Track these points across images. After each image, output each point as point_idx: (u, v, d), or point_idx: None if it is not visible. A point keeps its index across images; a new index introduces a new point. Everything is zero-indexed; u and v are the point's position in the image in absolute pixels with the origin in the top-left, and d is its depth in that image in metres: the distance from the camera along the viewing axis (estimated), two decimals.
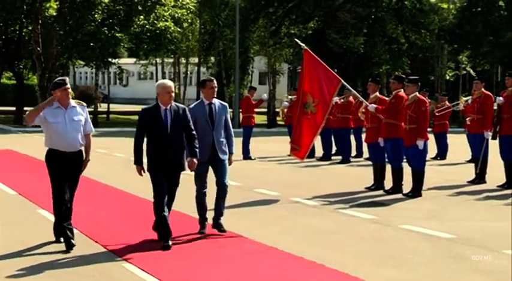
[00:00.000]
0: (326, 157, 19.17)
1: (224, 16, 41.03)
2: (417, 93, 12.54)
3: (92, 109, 37.74)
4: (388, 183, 12.89)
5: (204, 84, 8.88)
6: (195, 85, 48.64)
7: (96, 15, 36.76)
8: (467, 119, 15.99)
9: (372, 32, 39.29)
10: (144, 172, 8.17)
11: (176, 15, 38.82)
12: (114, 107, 45.96)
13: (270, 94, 39.79)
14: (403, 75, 14.60)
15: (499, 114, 13.96)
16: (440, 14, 43.75)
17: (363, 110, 13.76)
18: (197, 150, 8.18)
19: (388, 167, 13.00)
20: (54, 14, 36.04)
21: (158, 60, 47.90)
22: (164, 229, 8.05)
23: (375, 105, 12.91)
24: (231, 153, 8.99)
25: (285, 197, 12.16)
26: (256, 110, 21.50)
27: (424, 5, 41.30)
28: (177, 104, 8.29)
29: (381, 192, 12.77)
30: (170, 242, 8.00)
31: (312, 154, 17.83)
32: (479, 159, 14.52)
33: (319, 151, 18.94)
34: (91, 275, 6.91)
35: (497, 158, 14.04)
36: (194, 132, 8.23)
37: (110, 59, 39.63)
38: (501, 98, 13.92)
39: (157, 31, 38.25)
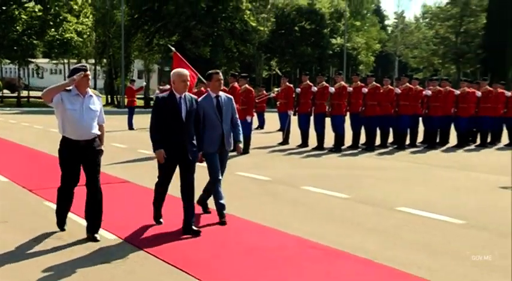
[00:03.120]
0: None
1: (113, 31, 39.89)
2: (246, 85, 12.76)
3: (16, 95, 36.32)
4: None
5: (210, 77, 6.27)
6: (91, 78, 46.83)
7: (17, 27, 34.55)
8: (277, 102, 16.47)
9: (214, 44, 39.28)
10: (165, 156, 5.64)
11: (78, 29, 37.26)
12: (33, 93, 43.43)
13: (146, 86, 39.57)
14: (237, 73, 14.75)
15: (298, 100, 14.51)
16: (259, 33, 44.30)
17: None
18: (202, 144, 5.86)
19: None
20: None
21: (65, 60, 45.81)
22: (157, 214, 6.04)
23: None
24: (239, 141, 6.44)
25: None
26: (137, 96, 21.09)
27: (248, 27, 41.67)
28: (190, 94, 5.82)
29: None
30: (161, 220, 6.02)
31: None
32: (285, 129, 15.03)
33: None
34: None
35: (296, 128, 14.58)
36: (201, 124, 5.86)
37: (29, 59, 37.86)
38: (298, 89, 14.47)
39: (65, 40, 36.69)
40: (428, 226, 6.16)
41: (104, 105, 6.54)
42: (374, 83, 14.06)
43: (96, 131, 5.51)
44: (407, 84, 14.42)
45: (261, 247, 5.28)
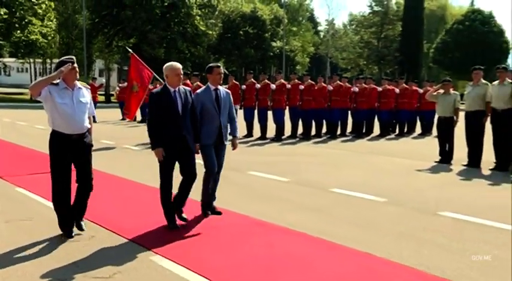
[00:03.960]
0: (144, 121, 18.72)
1: (75, 33, 38.63)
2: (198, 82, 12.66)
3: None
4: None
5: (211, 71, 5.47)
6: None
7: None
8: None
9: (168, 46, 38.69)
10: (164, 155, 4.94)
11: (43, 31, 35.70)
12: (1, 89, 41.58)
13: (106, 83, 38.62)
14: (189, 72, 14.61)
15: (243, 95, 14.50)
16: (208, 37, 43.91)
17: None
18: (200, 135, 5.23)
19: None
20: None
21: (31, 60, 43.88)
22: (170, 214, 5.13)
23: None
24: (235, 136, 5.69)
25: (119, 145, 11.72)
26: (98, 92, 20.56)
27: (199, 31, 41.24)
28: (184, 86, 5.11)
29: None
30: (177, 222, 5.14)
31: (135, 119, 17.43)
32: None
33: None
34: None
35: (241, 120, 14.54)
36: (197, 115, 5.20)
37: None
38: (244, 86, 14.45)
39: (30, 41, 34.97)
40: (356, 204, 6.32)
41: None
42: (309, 81, 14.25)
43: (87, 124, 4.79)
44: (338, 82, 14.68)
45: (215, 226, 5.28)
